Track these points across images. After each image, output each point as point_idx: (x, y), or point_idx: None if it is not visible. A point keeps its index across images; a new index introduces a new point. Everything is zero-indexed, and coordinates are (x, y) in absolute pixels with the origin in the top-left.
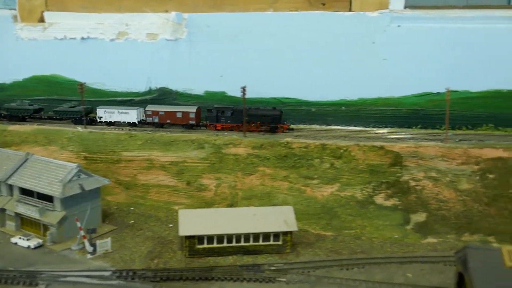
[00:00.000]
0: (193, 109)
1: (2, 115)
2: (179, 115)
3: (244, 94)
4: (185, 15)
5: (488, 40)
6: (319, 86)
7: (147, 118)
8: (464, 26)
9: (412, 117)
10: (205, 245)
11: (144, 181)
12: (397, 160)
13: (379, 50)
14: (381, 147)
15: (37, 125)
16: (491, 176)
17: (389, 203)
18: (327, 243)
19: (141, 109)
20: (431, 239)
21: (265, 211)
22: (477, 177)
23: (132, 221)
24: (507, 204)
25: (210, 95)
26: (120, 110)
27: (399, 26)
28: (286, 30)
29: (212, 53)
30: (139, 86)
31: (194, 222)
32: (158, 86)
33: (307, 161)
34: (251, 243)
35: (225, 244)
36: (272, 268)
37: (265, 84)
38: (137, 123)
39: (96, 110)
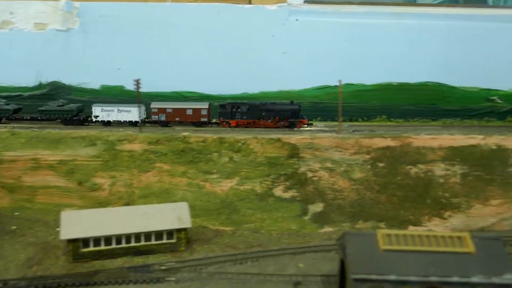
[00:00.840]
0: (205, 105)
1: None
2: (189, 112)
3: (138, 87)
4: (77, 4)
5: (379, 35)
6: (220, 79)
7: (152, 116)
8: (358, 21)
9: (313, 110)
10: (91, 248)
11: (31, 183)
12: (294, 152)
13: (278, 43)
14: (278, 139)
15: None
16: (381, 164)
17: (288, 195)
18: (225, 238)
19: (143, 106)
20: (327, 228)
21: (158, 209)
22: (369, 166)
23: (15, 227)
24: (395, 191)
25: (107, 90)
26: (121, 108)
27: (297, 19)
28: (186, 22)
29: (108, 44)
30: (28, 80)
31: (78, 224)
32: (49, 80)
33: (205, 156)
34: (142, 243)
35: (113, 245)
36: (162, 267)
37: (165, 78)
38: (139, 122)
39: (88, 108)
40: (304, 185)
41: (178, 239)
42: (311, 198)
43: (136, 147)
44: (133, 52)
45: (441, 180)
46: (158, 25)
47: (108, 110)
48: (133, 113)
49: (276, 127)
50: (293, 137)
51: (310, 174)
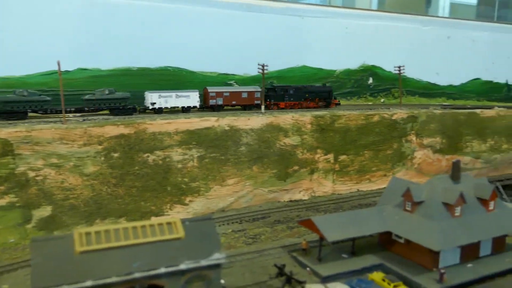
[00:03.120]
0: (257, 88)
1: None
2: (244, 95)
3: None
4: None
5: (114, 16)
6: None
7: (210, 100)
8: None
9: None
10: None
11: None
12: (7, 148)
13: None
14: None
15: None
16: (116, 155)
17: (4, 201)
18: None
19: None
20: (57, 233)
21: None
22: (102, 158)
23: None
24: (134, 182)
25: None
26: (179, 94)
27: None
28: None
29: None
30: None
31: None
32: None
33: None
34: None
35: None
36: None
37: None
38: (198, 106)
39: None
40: (25, 188)
41: None
42: (36, 202)
43: None
44: None
45: (180, 165)
46: None
47: (166, 96)
48: (192, 98)
49: (315, 107)
50: (3, 131)
51: (32, 174)
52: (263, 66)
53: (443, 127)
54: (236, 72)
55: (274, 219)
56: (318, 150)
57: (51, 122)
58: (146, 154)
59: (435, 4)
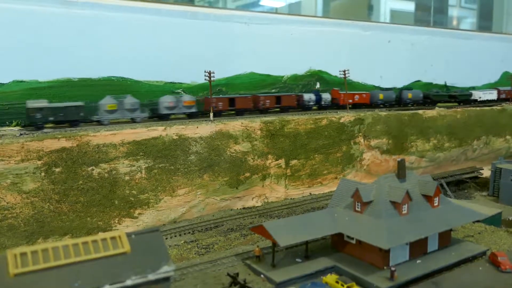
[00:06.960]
0: (494, 90)
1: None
2: (500, 94)
3: None
4: None
5: (46, 24)
6: None
7: (500, 95)
8: (21, 7)
9: None
10: None
11: None
12: None
13: None
14: None
15: None
16: (57, 170)
17: None
18: None
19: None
20: None
21: None
22: (43, 174)
23: None
24: (78, 197)
25: None
26: (488, 91)
27: None
28: None
29: None
30: None
31: None
32: None
33: None
34: None
35: None
36: None
37: None
38: (496, 99)
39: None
40: None
41: None
42: None
43: None
44: None
45: (127, 178)
46: None
47: (486, 93)
48: (493, 95)
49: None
50: None
51: None
52: (209, 73)
53: (389, 128)
54: (183, 81)
55: (227, 227)
56: (269, 156)
57: None
58: (91, 168)
59: (377, 11)
